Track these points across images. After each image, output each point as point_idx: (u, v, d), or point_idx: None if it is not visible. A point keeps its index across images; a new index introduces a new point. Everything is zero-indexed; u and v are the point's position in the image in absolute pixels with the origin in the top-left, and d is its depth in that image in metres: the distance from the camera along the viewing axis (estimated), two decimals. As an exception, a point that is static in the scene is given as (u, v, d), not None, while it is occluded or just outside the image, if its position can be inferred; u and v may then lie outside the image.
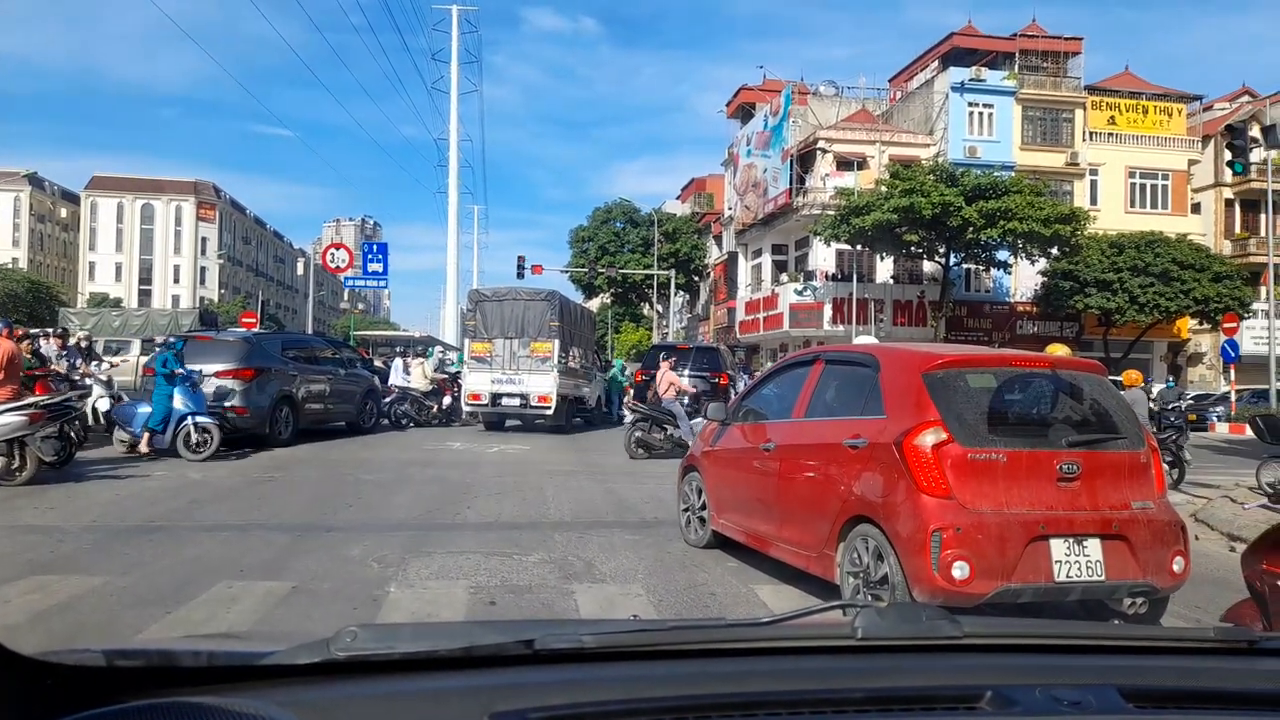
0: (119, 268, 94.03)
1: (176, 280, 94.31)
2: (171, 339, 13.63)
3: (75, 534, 6.95)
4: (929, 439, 4.63)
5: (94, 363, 14.80)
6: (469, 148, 66.55)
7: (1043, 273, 32.77)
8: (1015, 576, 4.44)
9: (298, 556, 6.41)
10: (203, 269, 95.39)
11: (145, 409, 12.07)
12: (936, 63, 38.94)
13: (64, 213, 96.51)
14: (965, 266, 33.80)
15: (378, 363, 23.24)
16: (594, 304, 53.20)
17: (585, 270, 49.78)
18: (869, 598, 4.76)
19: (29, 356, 12.39)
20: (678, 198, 63.25)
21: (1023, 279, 34.56)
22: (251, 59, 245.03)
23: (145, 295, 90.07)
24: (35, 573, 5.62)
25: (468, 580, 5.83)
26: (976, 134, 35.50)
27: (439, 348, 26.27)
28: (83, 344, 15.63)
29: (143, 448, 11.89)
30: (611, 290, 53.67)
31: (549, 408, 17.87)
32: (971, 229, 28.16)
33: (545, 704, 1.10)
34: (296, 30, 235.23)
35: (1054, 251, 30.52)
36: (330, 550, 6.63)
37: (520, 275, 41.63)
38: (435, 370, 21.46)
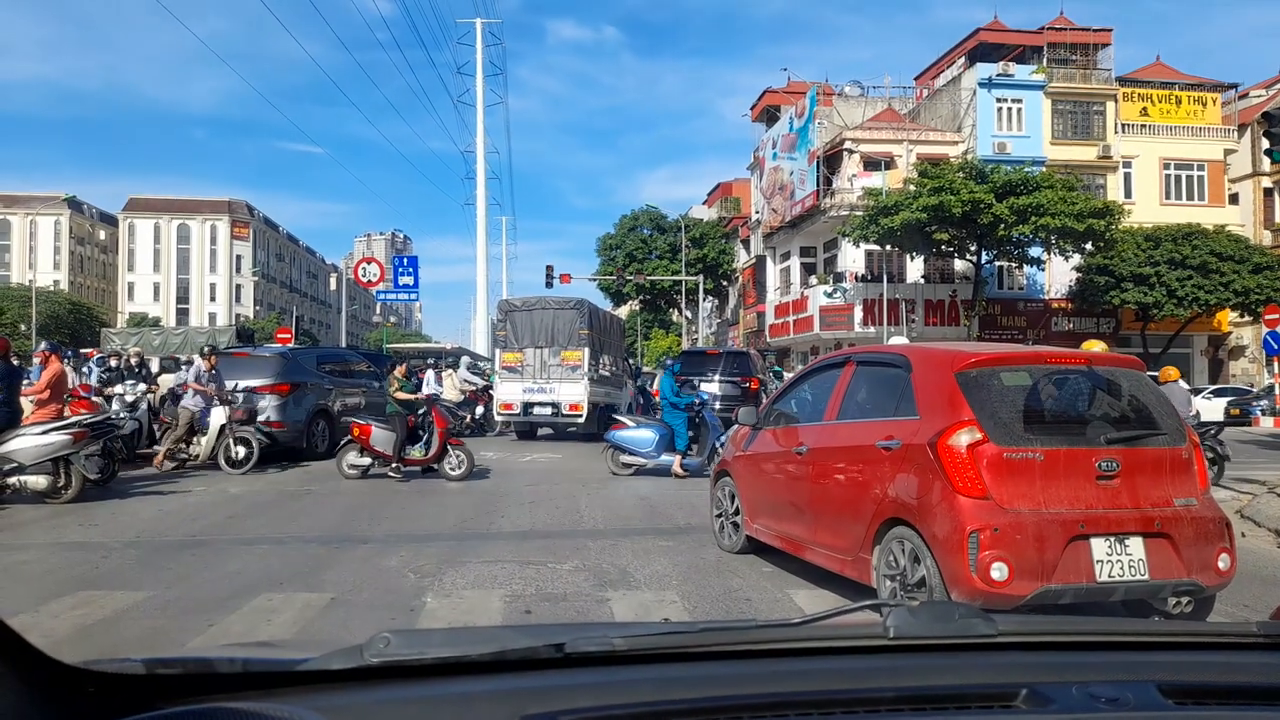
0: (157, 287, 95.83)
1: (213, 298, 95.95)
2: (669, 361, 13.99)
3: (119, 549, 7.08)
4: (964, 439, 4.57)
5: (131, 381, 14.90)
6: (495, 160, 67.18)
7: (1077, 268, 32.29)
8: (1056, 577, 4.37)
9: (335, 568, 6.48)
10: (238, 286, 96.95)
11: (646, 433, 12.40)
12: (963, 59, 38.59)
13: (102, 235, 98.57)
14: (997, 264, 33.41)
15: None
16: (623, 311, 53.29)
17: (613, 278, 49.88)
18: (906, 600, 4.71)
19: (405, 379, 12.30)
20: (704, 203, 63.25)
21: (1057, 275, 34.10)
22: (281, 78, 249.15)
23: (183, 314, 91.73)
24: (82, 588, 5.73)
25: (503, 589, 5.85)
26: (1005, 130, 35.11)
27: (467, 358, 26.46)
28: (133, 361, 15.90)
29: (677, 470, 12.18)
30: (640, 297, 53.74)
31: (581, 416, 17.92)
32: (1003, 226, 27.84)
33: (576, 706, 1.11)
34: (325, 49, 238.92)
35: (1088, 246, 30.07)
36: (367, 561, 6.70)
37: (549, 284, 41.84)
38: (467, 379, 21.61)
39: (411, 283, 34.60)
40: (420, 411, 11.94)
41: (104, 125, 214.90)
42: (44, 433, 9.24)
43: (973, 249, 30.70)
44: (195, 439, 12.41)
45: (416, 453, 11.66)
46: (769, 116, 43.98)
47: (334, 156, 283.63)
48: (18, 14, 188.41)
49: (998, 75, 35.11)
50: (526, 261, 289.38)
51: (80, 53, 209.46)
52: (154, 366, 18.56)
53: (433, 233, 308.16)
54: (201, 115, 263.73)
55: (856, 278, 34.63)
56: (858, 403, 5.79)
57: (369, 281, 33.47)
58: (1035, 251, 30.63)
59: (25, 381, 10.86)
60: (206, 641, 4.63)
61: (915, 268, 35.00)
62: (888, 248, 31.76)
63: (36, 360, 12.59)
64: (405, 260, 36.30)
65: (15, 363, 10.16)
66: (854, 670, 1.28)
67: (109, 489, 10.15)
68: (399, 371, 12.11)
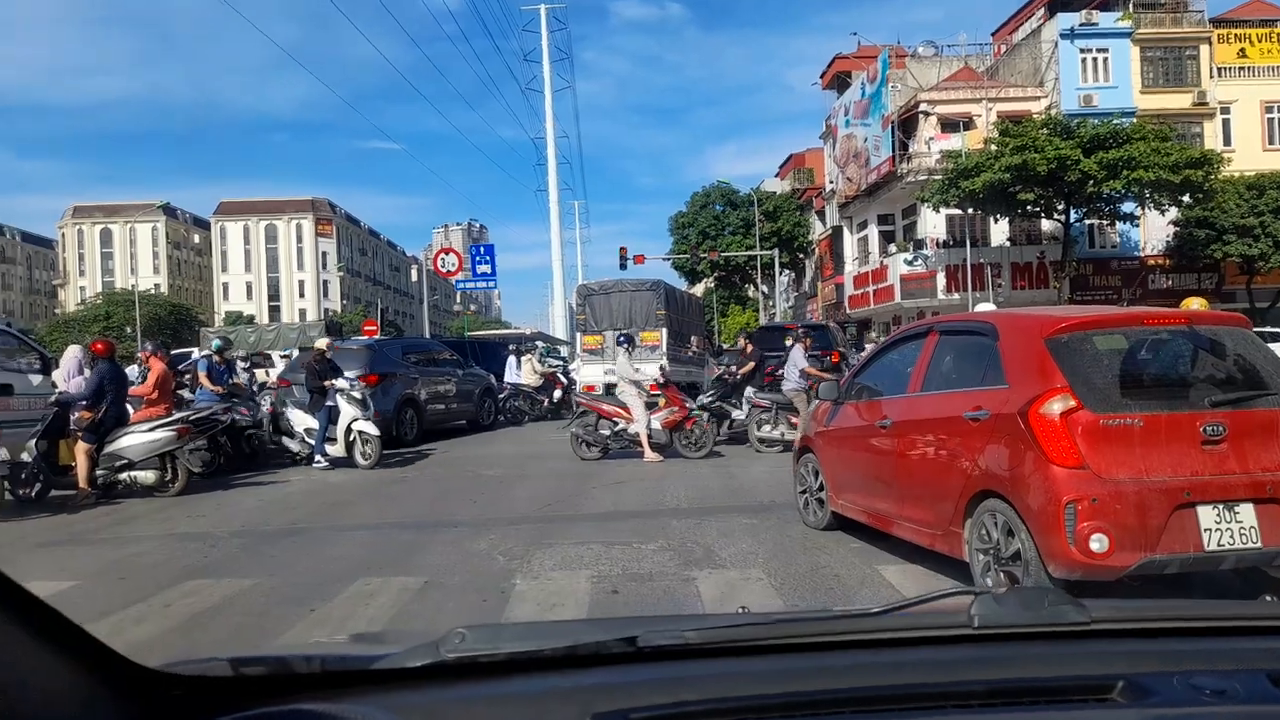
0: (249, 286, 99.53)
1: (302, 295, 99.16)
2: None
3: (225, 539, 7.42)
4: (1056, 407, 4.42)
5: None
6: (565, 144, 67.61)
7: (1174, 222, 30.75)
8: (1160, 547, 4.19)
9: (428, 552, 6.66)
10: (325, 282, 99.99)
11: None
12: (1042, 10, 36.98)
13: (196, 239, 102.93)
14: (1088, 222, 32.04)
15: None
16: (698, 289, 53.12)
17: (687, 256, 49.67)
18: (1001, 575, 4.60)
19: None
20: (776, 175, 62.34)
21: (1152, 230, 32.53)
22: (355, 79, 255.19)
23: (274, 311, 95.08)
24: (191, 577, 6.03)
25: (590, 570, 5.92)
26: (1091, 81, 33.55)
27: (540, 343, 26.76)
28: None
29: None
30: (715, 274, 53.43)
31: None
32: (1092, 182, 26.65)
33: (648, 703, 1.09)
34: (395, 46, 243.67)
35: (1185, 199, 28.55)
36: (458, 545, 6.86)
37: (623, 266, 41.82)
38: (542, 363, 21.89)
39: (489, 271, 35.12)
40: None
41: (193, 134, 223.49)
42: (150, 429, 9.72)
43: (1060, 208, 29.48)
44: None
45: None
46: (840, 83, 43.00)
47: (409, 151, 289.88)
48: (112, 34, 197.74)
49: (1080, 25, 33.52)
50: (600, 244, 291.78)
51: (168, 66, 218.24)
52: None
53: (508, 220, 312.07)
54: (283, 119, 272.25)
55: (937, 244, 33.70)
56: (943, 373, 5.65)
57: (448, 271, 34.16)
58: (1128, 207, 29.23)
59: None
60: (309, 626, 4.82)
61: (999, 230, 33.86)
62: (969, 211, 30.76)
63: (141, 358, 13.20)
64: (482, 249, 36.84)
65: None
66: (938, 661, 1.23)
67: (214, 481, 10.64)
68: None
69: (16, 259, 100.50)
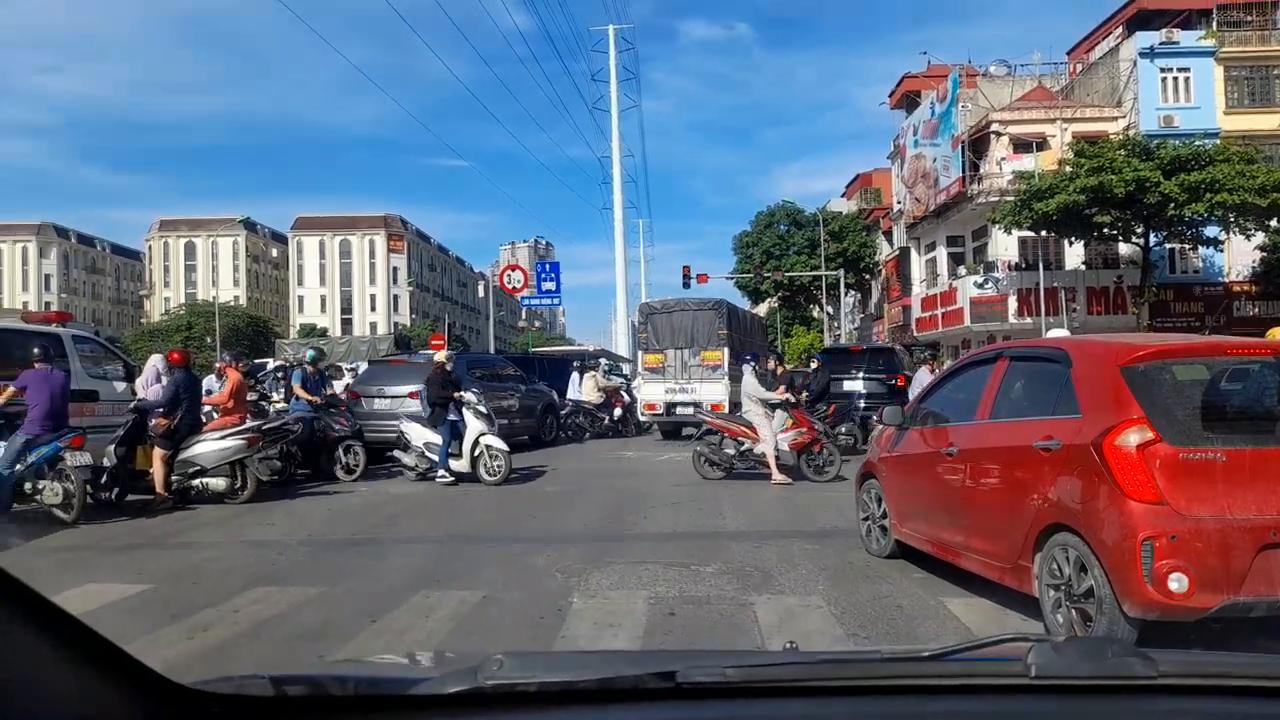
0: (323, 300, 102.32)
1: (373, 309, 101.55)
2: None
3: (293, 547, 7.59)
4: (1133, 438, 4.25)
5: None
6: (631, 163, 68.04)
7: (1261, 247, 29.55)
8: (1245, 589, 4.00)
9: (487, 567, 6.72)
10: (395, 297, 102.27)
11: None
12: (1120, 29, 36.06)
13: (274, 252, 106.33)
14: (1168, 246, 30.97)
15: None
16: (761, 309, 52.81)
17: (751, 275, 49.46)
18: (1073, 612, 4.44)
19: None
20: (843, 195, 61.82)
21: (1238, 255, 31.31)
22: (429, 98, 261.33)
23: (346, 324, 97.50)
24: (260, 584, 6.17)
25: (647, 591, 5.89)
26: (1172, 102, 32.53)
27: (603, 360, 26.85)
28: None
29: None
30: (779, 294, 53.09)
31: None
32: (1173, 205, 25.75)
33: None
34: (468, 67, 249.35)
35: (1272, 223, 27.44)
36: (516, 561, 6.91)
37: (686, 285, 41.81)
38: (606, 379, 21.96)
39: (554, 288, 35.51)
40: None
41: (273, 150, 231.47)
42: (222, 438, 10.02)
43: (1139, 231, 28.56)
44: None
45: None
46: (909, 103, 42.50)
47: (479, 169, 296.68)
48: (200, 53, 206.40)
49: (1161, 43, 32.56)
50: (664, 262, 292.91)
51: (252, 85, 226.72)
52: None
53: (574, 237, 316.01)
54: (359, 137, 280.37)
55: (1009, 267, 32.95)
56: (1012, 400, 5.51)
57: (514, 288, 34.67)
58: (1211, 231, 28.17)
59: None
60: (371, 637, 4.89)
61: (1074, 254, 32.93)
62: (1043, 234, 30.03)
63: (219, 368, 13.61)
64: (548, 266, 37.28)
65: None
66: (991, 713, 1.17)
67: (285, 490, 10.90)
68: None
69: (106, 270, 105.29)
